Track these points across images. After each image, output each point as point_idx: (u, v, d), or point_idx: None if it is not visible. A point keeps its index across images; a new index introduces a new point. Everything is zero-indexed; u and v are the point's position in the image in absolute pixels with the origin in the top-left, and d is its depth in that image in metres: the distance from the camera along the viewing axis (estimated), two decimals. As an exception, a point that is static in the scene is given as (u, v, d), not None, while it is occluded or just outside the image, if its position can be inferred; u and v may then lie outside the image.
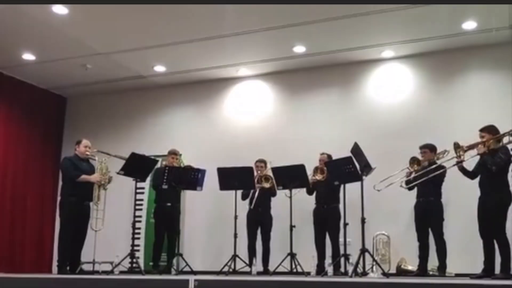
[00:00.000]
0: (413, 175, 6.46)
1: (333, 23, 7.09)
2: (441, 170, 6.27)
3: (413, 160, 6.41)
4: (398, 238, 7.37)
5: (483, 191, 5.74)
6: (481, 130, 5.75)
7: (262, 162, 7.40)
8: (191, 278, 4.81)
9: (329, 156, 7.10)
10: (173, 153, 7.44)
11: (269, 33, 7.39)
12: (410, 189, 6.51)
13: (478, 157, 5.80)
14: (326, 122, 8.38)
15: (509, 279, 5.28)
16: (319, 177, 6.94)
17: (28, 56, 8.31)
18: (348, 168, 6.32)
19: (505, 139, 5.60)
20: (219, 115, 9.11)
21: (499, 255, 5.52)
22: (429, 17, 6.96)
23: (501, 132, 5.64)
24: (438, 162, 6.41)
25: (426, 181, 6.26)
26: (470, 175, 5.94)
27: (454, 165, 5.93)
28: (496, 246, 5.59)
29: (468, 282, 4.75)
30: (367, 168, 6.19)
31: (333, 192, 6.91)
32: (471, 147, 5.73)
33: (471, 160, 5.89)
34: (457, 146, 5.76)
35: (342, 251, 6.56)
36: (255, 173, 7.22)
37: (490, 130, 5.70)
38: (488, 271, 5.56)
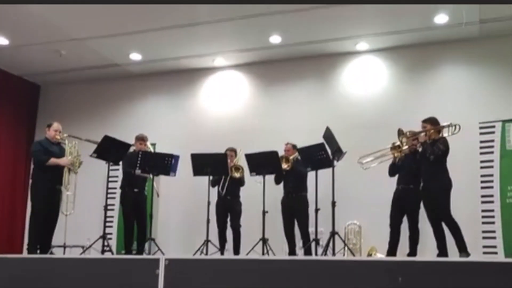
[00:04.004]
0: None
1: (309, 13, 7.19)
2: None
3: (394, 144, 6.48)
4: (369, 228, 7.47)
5: (425, 179, 6.00)
6: (424, 121, 6.14)
7: (232, 151, 7.40)
8: (162, 257, 4.78)
9: (294, 146, 7.19)
10: (141, 139, 7.26)
11: (246, 22, 7.44)
12: (392, 174, 6.55)
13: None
14: (301, 113, 8.47)
15: (469, 255, 5.56)
16: (284, 166, 6.99)
17: (0, 40, 8.20)
18: (320, 154, 6.43)
19: (445, 131, 5.99)
20: (194, 105, 9.14)
21: (452, 238, 5.74)
22: (402, 10, 7.11)
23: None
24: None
25: (408, 168, 6.34)
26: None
27: (407, 149, 6.26)
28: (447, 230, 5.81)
29: (438, 260, 4.72)
30: (338, 152, 6.28)
31: (300, 181, 6.99)
32: (413, 134, 6.13)
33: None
34: (400, 133, 6.14)
35: (313, 237, 6.61)
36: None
37: (432, 122, 6.09)
38: (442, 255, 5.72)
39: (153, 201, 7.28)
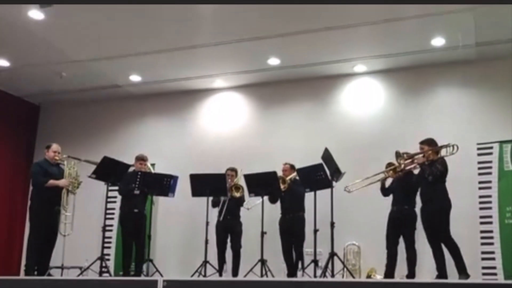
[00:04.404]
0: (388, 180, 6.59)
1: (307, 36, 7.26)
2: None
3: (390, 165, 6.50)
4: (369, 249, 7.44)
5: (424, 200, 6.01)
6: (421, 143, 6.19)
7: (233, 171, 7.40)
8: (160, 278, 4.79)
9: (292, 166, 7.21)
10: (141, 159, 7.27)
11: (245, 44, 7.50)
12: (385, 195, 6.59)
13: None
14: (299, 134, 8.51)
15: (468, 276, 5.53)
16: (281, 186, 6.98)
17: (1, 62, 8.26)
18: (319, 175, 6.44)
19: (443, 151, 6.04)
20: (194, 126, 9.18)
21: (452, 259, 5.74)
22: (400, 33, 7.19)
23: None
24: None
25: (402, 189, 6.37)
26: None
27: (399, 171, 6.31)
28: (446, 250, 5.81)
29: (437, 281, 4.78)
30: (337, 173, 6.30)
31: (297, 201, 6.99)
32: (411, 156, 6.17)
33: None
34: (398, 155, 6.16)
35: (312, 258, 6.58)
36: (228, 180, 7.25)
37: (429, 143, 6.14)
38: (442, 277, 5.71)
39: (152, 222, 7.26)
